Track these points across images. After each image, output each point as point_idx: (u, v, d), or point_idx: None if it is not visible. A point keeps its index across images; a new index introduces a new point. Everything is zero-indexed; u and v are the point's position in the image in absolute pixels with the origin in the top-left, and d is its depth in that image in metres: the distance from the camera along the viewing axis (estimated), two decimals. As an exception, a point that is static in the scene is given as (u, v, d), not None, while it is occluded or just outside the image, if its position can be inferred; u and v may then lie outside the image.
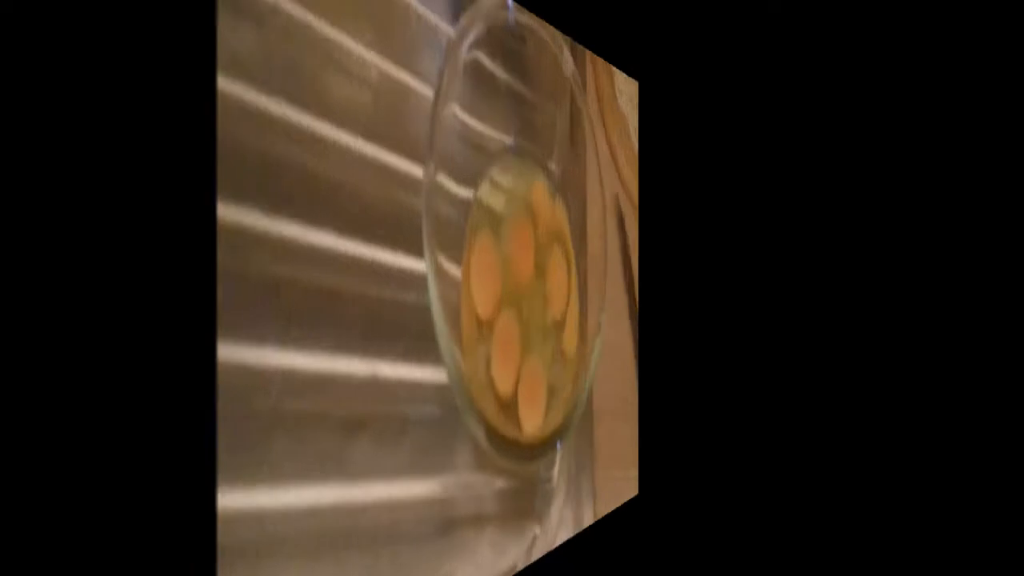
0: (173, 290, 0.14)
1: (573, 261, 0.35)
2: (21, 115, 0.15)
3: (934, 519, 0.36)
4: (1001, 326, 0.36)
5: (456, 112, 0.23)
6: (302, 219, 0.17)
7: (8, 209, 0.15)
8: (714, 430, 0.38)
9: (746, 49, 0.43)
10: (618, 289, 0.41)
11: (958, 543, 0.35)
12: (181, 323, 0.14)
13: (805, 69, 0.41)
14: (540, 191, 0.32)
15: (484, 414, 0.25)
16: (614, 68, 0.42)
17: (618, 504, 0.35)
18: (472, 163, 0.26)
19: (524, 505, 0.27)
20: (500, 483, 0.26)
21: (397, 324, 0.21)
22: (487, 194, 0.28)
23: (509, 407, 0.27)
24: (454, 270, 0.24)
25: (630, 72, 0.43)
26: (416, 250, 0.22)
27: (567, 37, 0.32)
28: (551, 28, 0.28)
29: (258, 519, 0.15)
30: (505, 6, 0.25)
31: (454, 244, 0.24)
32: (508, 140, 0.29)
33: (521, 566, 0.26)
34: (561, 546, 0.29)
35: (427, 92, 0.20)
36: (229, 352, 0.15)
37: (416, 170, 0.22)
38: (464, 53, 0.23)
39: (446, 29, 0.21)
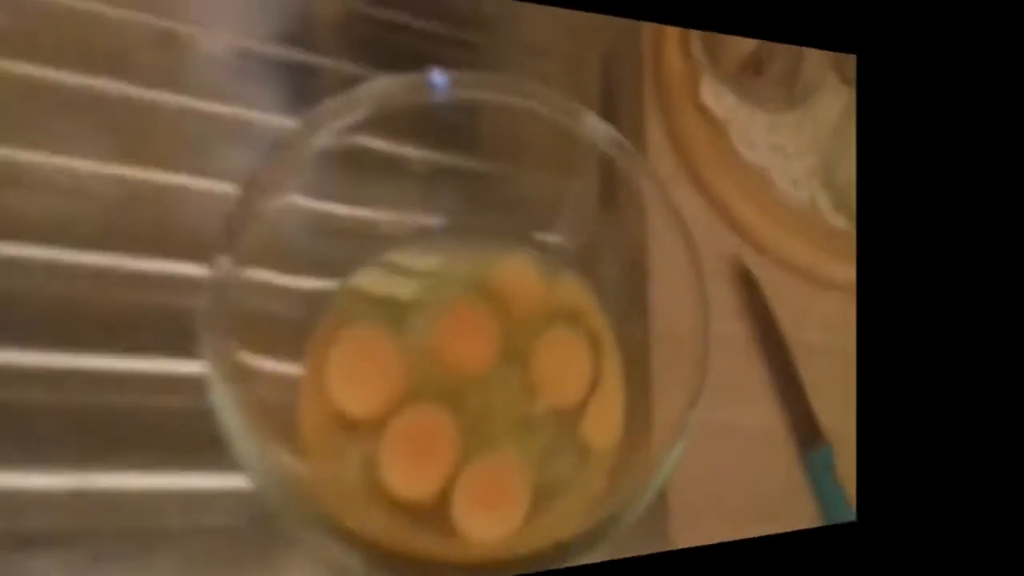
0: None
1: (607, 342, 0.26)
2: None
3: None
4: None
5: (298, 202, 0.21)
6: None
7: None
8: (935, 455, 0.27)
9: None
10: (743, 364, 0.32)
11: None
12: None
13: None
14: (514, 269, 0.26)
15: (362, 528, 0.19)
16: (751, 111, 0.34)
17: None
18: (332, 253, 0.23)
19: None
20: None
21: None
22: (373, 282, 0.23)
23: (426, 515, 0.21)
24: (277, 368, 0.20)
25: (843, 44, 0.34)
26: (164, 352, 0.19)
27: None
28: (553, 95, 0.25)
29: None
30: (425, 86, 0.23)
31: (279, 340, 0.20)
32: (434, 221, 0.25)
33: None
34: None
35: (217, 189, 0.19)
36: None
37: (183, 270, 0.20)
38: (321, 142, 0.21)
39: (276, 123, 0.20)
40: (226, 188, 0.18)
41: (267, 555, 0.20)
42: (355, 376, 0.21)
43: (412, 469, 0.20)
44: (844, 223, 0.36)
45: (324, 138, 0.21)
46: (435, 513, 0.21)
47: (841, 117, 0.39)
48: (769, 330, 0.33)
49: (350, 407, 0.21)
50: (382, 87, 0.22)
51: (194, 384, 0.16)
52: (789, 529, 0.29)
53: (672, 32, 0.37)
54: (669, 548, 0.26)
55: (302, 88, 0.27)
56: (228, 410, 0.16)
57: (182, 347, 0.16)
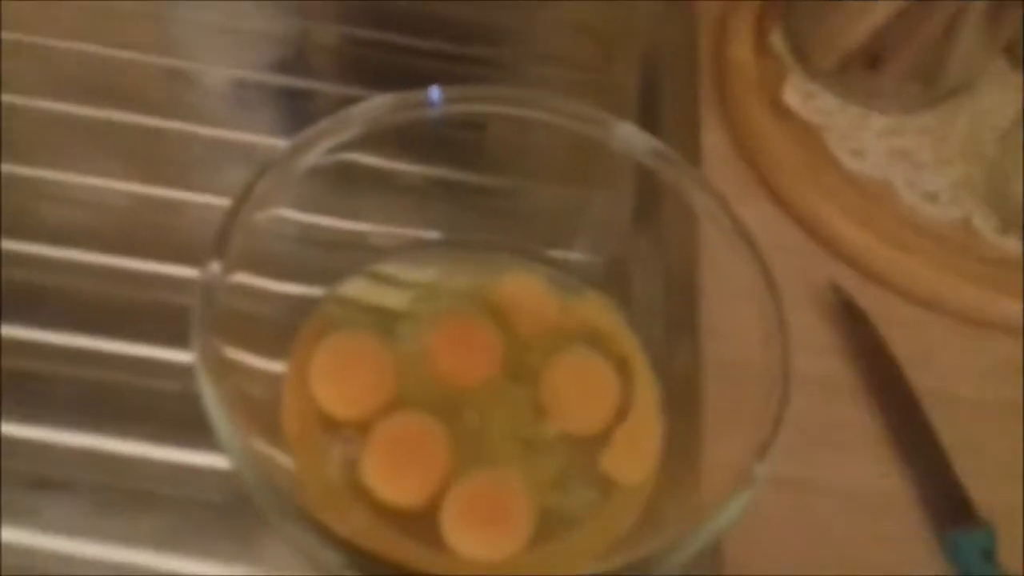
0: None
1: (638, 367, 0.34)
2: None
3: None
4: None
5: (287, 214, 0.32)
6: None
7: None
8: None
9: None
10: (847, 414, 0.37)
11: None
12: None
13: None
14: (520, 284, 0.35)
15: (343, 527, 0.27)
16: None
17: None
18: (321, 262, 0.34)
19: None
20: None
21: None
22: (361, 291, 0.34)
23: (413, 523, 0.29)
24: (261, 365, 0.30)
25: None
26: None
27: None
28: (570, 104, 0.35)
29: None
30: (421, 103, 0.34)
31: (264, 340, 0.30)
32: (430, 234, 0.35)
33: None
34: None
35: (216, 204, 0.31)
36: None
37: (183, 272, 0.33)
38: (311, 160, 0.32)
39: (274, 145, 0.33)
40: (225, 203, 0.30)
41: (248, 533, 0.31)
42: (338, 377, 0.31)
43: (396, 475, 0.30)
44: (1015, 247, 0.42)
45: (314, 156, 0.32)
46: (422, 523, 0.29)
47: (1016, 114, 0.45)
48: (885, 374, 0.39)
49: (332, 408, 0.31)
50: (374, 106, 0.33)
51: (190, 371, 0.26)
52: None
53: (740, 23, 0.46)
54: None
55: (301, 111, 0.40)
56: (211, 400, 0.26)
57: (180, 339, 0.27)
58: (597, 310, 0.35)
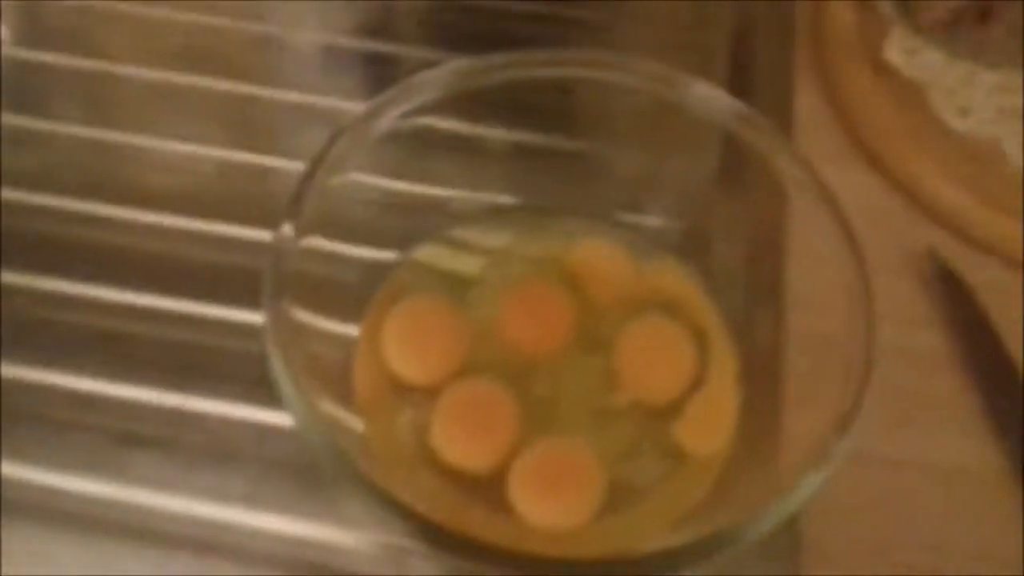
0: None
1: (716, 337, 0.33)
2: None
3: None
4: None
5: (362, 178, 0.32)
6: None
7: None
8: None
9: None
10: (942, 387, 0.35)
11: None
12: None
13: None
14: (595, 250, 0.34)
15: (409, 490, 0.27)
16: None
17: None
18: (396, 227, 0.34)
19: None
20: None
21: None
22: (436, 256, 0.33)
23: (480, 488, 0.29)
24: (333, 327, 0.30)
25: None
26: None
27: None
28: (655, 67, 0.34)
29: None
30: (502, 67, 0.34)
31: (336, 303, 0.30)
32: (507, 199, 0.35)
33: None
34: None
35: (297, 168, 0.31)
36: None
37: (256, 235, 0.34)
38: (388, 124, 0.32)
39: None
40: None
41: (330, 492, 0.31)
42: (411, 342, 0.31)
43: (465, 440, 0.29)
44: None
45: (390, 120, 0.32)
46: (490, 489, 0.29)
47: None
48: (983, 345, 0.37)
49: (404, 372, 0.31)
50: (451, 69, 0.32)
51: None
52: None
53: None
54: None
55: (388, 76, 0.40)
56: (277, 362, 0.27)
57: (258, 301, 0.28)
58: (675, 277, 0.34)
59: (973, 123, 0.41)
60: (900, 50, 0.43)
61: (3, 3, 0.44)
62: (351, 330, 0.32)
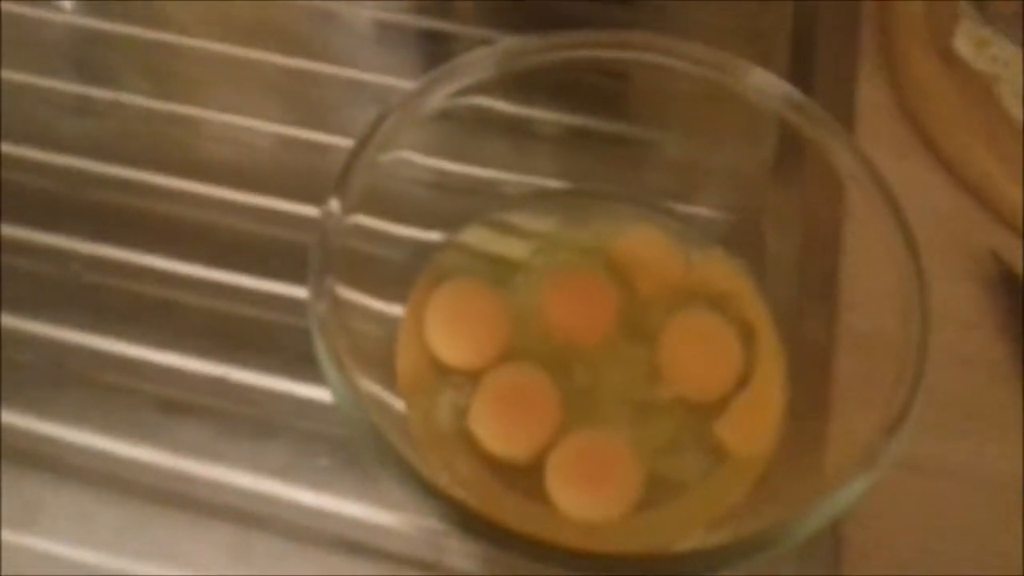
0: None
1: (765, 334, 0.32)
2: None
3: None
4: None
5: (411, 157, 0.31)
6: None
7: None
8: None
9: None
10: (994, 392, 0.33)
11: None
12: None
13: None
14: (643, 239, 0.33)
15: (446, 473, 0.28)
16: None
17: None
18: (444, 207, 0.33)
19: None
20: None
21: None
22: (482, 239, 0.33)
23: (518, 475, 0.28)
24: (376, 306, 0.30)
25: None
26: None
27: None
28: (712, 53, 0.33)
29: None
30: (557, 48, 0.33)
31: (380, 281, 0.30)
32: (558, 184, 0.34)
33: None
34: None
35: (347, 144, 0.30)
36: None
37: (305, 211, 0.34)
38: (438, 102, 0.31)
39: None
40: None
41: (368, 470, 0.31)
42: (453, 325, 0.30)
43: (503, 426, 0.29)
44: None
45: (440, 99, 0.31)
46: (527, 477, 0.29)
47: None
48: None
49: (446, 355, 0.30)
50: (504, 49, 0.32)
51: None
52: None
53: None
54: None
55: (443, 54, 0.39)
56: (319, 337, 0.26)
57: (306, 276, 0.27)
58: (724, 270, 0.33)
59: (1043, 120, 0.39)
60: (970, 41, 0.41)
61: (67, -27, 0.44)
62: (395, 310, 0.31)
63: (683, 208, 0.35)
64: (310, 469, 0.32)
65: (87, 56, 0.43)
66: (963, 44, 0.41)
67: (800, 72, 0.40)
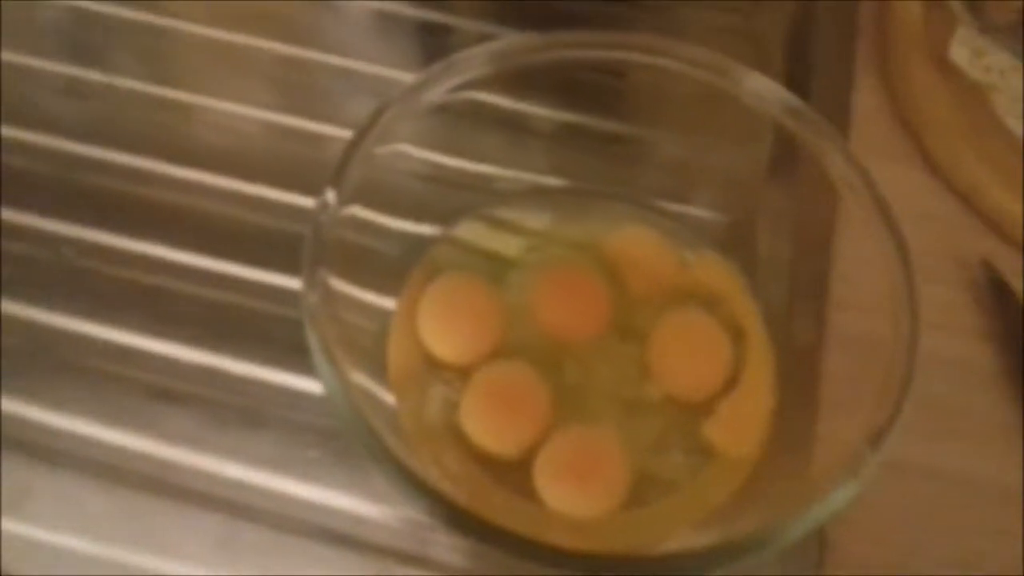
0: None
1: (754, 336, 0.32)
2: None
3: None
4: None
5: (408, 150, 0.31)
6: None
7: None
8: None
9: None
10: (982, 400, 0.33)
11: None
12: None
13: None
14: (635, 238, 0.33)
15: (435, 467, 0.28)
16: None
17: None
18: (438, 201, 0.33)
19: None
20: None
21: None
22: (476, 234, 0.33)
23: (507, 471, 0.29)
24: (369, 298, 0.30)
25: None
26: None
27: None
28: (707, 54, 0.33)
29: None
30: (555, 46, 0.33)
31: (374, 274, 0.30)
32: (552, 181, 0.34)
33: None
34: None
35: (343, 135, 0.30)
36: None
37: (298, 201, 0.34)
38: (437, 96, 0.31)
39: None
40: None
41: (358, 462, 0.31)
42: (445, 320, 0.31)
43: (492, 422, 0.29)
44: None
45: (439, 93, 0.31)
46: (516, 473, 0.29)
47: None
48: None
49: (437, 350, 0.30)
50: (504, 45, 0.32)
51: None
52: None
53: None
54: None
55: (440, 46, 0.39)
56: (312, 329, 0.26)
57: (299, 267, 0.27)
58: (716, 271, 0.33)
59: (1036, 130, 0.39)
60: (966, 50, 0.41)
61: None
62: (388, 303, 0.31)
63: (677, 208, 0.35)
64: (299, 460, 0.32)
65: (81, 38, 0.42)
66: (959, 53, 0.41)
67: (796, 76, 0.40)
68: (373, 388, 0.28)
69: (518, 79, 0.32)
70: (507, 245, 0.33)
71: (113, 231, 0.36)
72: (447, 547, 0.31)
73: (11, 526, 0.30)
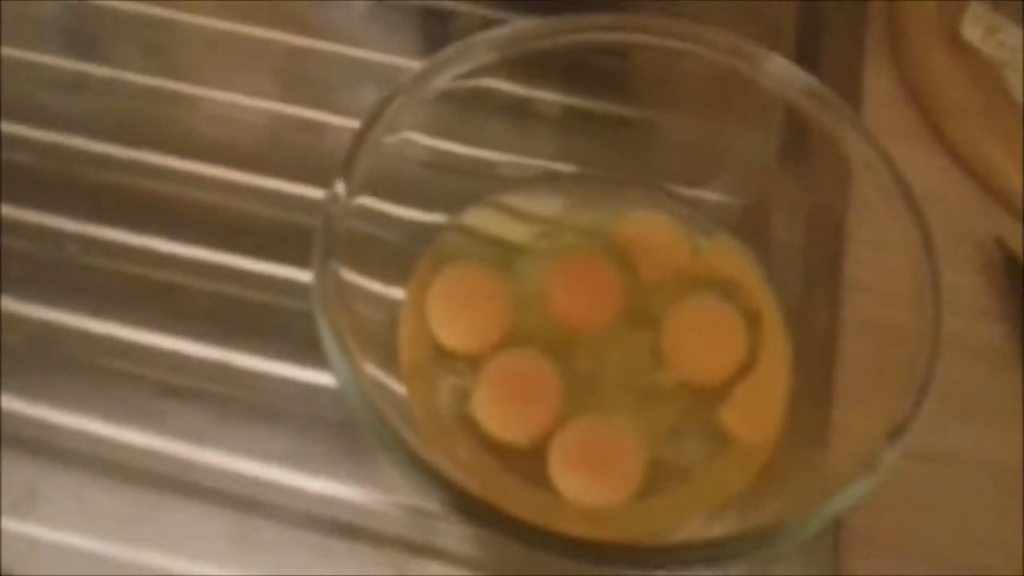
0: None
1: (770, 321, 0.31)
2: None
3: None
4: None
5: (416, 138, 0.31)
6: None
7: None
8: None
9: None
10: (992, 380, 0.33)
11: None
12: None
13: None
14: (648, 224, 0.33)
15: (448, 458, 0.27)
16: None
17: None
18: (447, 189, 0.33)
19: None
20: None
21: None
22: (485, 221, 0.32)
23: (520, 460, 0.28)
24: (379, 289, 0.29)
25: None
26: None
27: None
28: (720, 35, 0.32)
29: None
30: (564, 30, 0.32)
31: (384, 264, 0.30)
32: (561, 167, 0.34)
33: None
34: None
35: (352, 126, 0.30)
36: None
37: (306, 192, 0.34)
38: (444, 83, 0.31)
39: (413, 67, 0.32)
40: (358, 125, 0.29)
41: (369, 455, 0.31)
42: (455, 309, 0.30)
43: (506, 411, 0.29)
44: None
45: (446, 80, 0.31)
46: (529, 462, 0.28)
47: None
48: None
49: (447, 339, 0.30)
50: (511, 31, 0.31)
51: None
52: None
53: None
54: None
55: (444, 33, 0.39)
56: (324, 321, 0.26)
57: (308, 259, 0.27)
58: (730, 256, 0.33)
59: (1051, 107, 0.39)
60: (979, 27, 0.40)
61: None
62: (397, 293, 0.31)
63: (689, 193, 0.34)
64: (311, 455, 0.31)
65: (82, 32, 0.42)
66: (971, 29, 0.40)
67: (806, 57, 0.39)
68: (384, 379, 0.28)
69: (526, 64, 0.32)
70: (517, 232, 0.33)
71: (117, 226, 0.35)
72: (459, 538, 0.30)
73: (15, 526, 0.29)
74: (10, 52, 0.40)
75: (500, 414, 0.29)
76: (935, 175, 0.39)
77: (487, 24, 0.32)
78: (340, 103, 0.39)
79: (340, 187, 0.28)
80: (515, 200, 0.34)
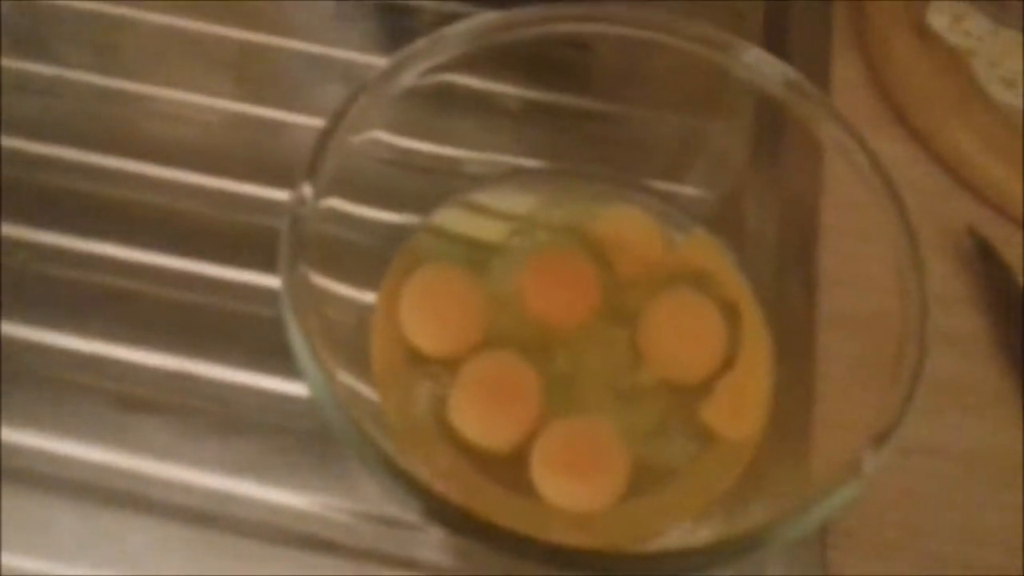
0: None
1: (748, 315, 0.31)
2: None
3: None
4: None
5: (382, 137, 0.30)
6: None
7: None
8: None
9: None
10: (971, 369, 0.33)
11: None
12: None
13: None
14: (622, 219, 0.32)
15: (426, 465, 0.27)
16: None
17: None
18: (415, 189, 0.32)
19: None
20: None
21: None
22: (455, 221, 0.32)
23: (500, 466, 0.27)
24: (349, 294, 0.28)
25: None
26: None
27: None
28: (689, 25, 0.31)
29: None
30: (529, 22, 0.31)
31: (354, 268, 0.29)
32: (530, 163, 0.33)
33: None
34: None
35: (313, 124, 0.29)
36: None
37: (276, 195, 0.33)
38: (408, 80, 0.30)
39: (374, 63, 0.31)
40: (321, 123, 0.28)
41: (339, 465, 0.30)
42: (427, 312, 0.29)
43: (483, 416, 0.28)
44: None
45: (411, 77, 0.30)
46: (510, 468, 0.28)
47: None
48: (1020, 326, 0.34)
49: (421, 343, 0.29)
50: (475, 24, 0.30)
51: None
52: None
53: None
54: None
55: (403, 28, 0.37)
56: (294, 328, 0.25)
57: (274, 263, 0.26)
58: (706, 250, 0.32)
59: (1018, 95, 0.39)
60: (945, 15, 0.41)
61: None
62: (368, 297, 0.30)
63: (661, 186, 0.34)
64: (279, 466, 0.30)
65: (26, 29, 0.40)
66: (938, 18, 0.41)
67: (774, 48, 0.39)
68: (358, 386, 0.27)
69: (493, 58, 0.31)
70: (489, 231, 0.32)
71: (70, 233, 0.34)
72: (438, 548, 0.29)
73: (-31, 551, 0.28)
74: (-50, 53, 0.38)
75: (478, 418, 0.28)
76: (903, 162, 0.39)
77: (447, 19, 0.30)
78: (298, 101, 0.38)
79: (307, 189, 0.27)
80: (485, 198, 0.33)
